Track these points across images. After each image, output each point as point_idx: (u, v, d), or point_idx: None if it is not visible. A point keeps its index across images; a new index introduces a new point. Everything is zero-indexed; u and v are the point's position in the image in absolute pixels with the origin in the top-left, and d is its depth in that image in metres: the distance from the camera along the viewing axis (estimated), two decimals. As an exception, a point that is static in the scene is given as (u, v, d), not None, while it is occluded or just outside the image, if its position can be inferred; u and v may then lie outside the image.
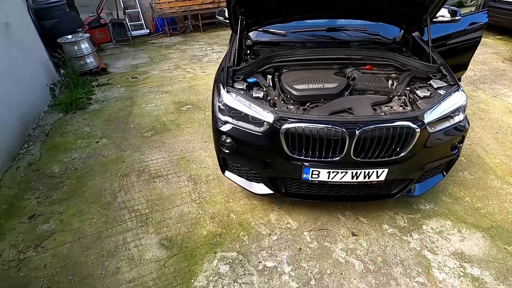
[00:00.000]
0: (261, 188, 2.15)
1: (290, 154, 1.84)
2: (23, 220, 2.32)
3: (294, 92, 2.07)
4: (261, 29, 2.64)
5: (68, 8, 5.72)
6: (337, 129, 1.70)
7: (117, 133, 3.43)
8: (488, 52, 5.61)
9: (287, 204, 2.36)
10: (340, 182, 1.90)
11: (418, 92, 1.98)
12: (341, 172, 1.85)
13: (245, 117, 1.92)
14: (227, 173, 2.26)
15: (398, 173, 1.91)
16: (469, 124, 1.99)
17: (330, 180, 1.89)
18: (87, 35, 5.03)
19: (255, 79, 2.24)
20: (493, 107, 3.71)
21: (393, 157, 1.81)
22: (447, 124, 1.89)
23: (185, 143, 3.19)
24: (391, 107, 1.96)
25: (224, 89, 2.02)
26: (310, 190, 2.08)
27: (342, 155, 1.78)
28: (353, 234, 2.12)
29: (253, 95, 2.00)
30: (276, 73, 2.34)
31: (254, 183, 2.17)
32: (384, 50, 2.45)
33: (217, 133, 2.05)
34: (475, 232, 2.11)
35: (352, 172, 1.84)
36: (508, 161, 2.77)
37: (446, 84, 2.01)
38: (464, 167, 2.72)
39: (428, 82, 2.08)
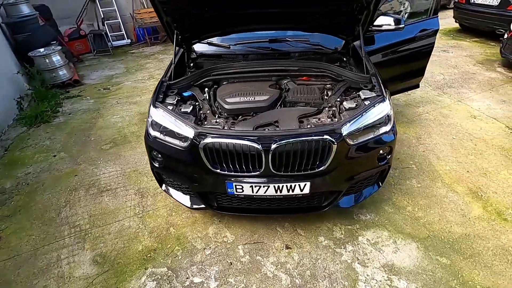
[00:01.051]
0: (195, 202, 2.14)
1: (212, 168, 1.84)
2: (-37, 238, 2.33)
3: (225, 106, 2.07)
4: (205, 42, 2.66)
5: (44, 21, 5.80)
6: (252, 144, 1.70)
7: (76, 147, 3.44)
8: (462, 55, 5.61)
9: (229, 217, 2.35)
10: (265, 196, 1.89)
11: (345, 103, 1.98)
12: (264, 186, 1.84)
13: (171, 133, 1.92)
14: (164, 186, 2.26)
15: (322, 186, 1.90)
16: (396, 135, 1.98)
17: (255, 194, 1.89)
18: (59, 47, 5.08)
19: (190, 93, 2.25)
20: (455, 112, 3.70)
21: (314, 170, 1.80)
22: (370, 135, 1.88)
23: (141, 155, 3.20)
24: (319, 119, 1.96)
25: (152, 104, 2.03)
26: (242, 204, 2.07)
27: (262, 169, 1.77)
28: (287, 247, 2.10)
29: (182, 110, 2.01)
30: (214, 86, 2.35)
31: (188, 197, 2.17)
32: (325, 61, 2.46)
33: (147, 148, 2.06)
34: (410, 243, 2.08)
35: (275, 186, 1.84)
36: (458, 168, 2.75)
37: (374, 95, 2.01)
38: (413, 175, 2.71)
39: (358, 93, 2.08)
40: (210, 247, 2.14)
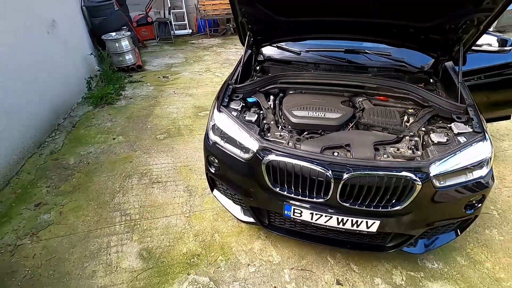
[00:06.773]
0: (245, 215, 2.04)
1: (271, 187, 1.71)
2: (30, 206, 2.52)
3: (291, 119, 1.92)
4: (275, 45, 2.52)
5: (118, 6, 6.16)
6: (322, 170, 1.53)
7: (133, 132, 3.57)
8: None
9: (275, 234, 2.22)
10: (324, 225, 1.72)
11: (432, 135, 1.70)
12: (326, 216, 1.66)
13: (233, 141, 1.83)
14: (215, 192, 2.19)
15: (393, 227, 1.66)
16: (493, 181, 1.65)
17: (313, 221, 1.72)
18: (129, 33, 5.33)
19: (255, 99, 2.14)
20: (551, 153, 3.12)
21: (388, 209, 1.58)
22: (462, 178, 1.59)
23: (192, 151, 3.20)
24: (398, 149, 1.71)
25: (216, 108, 1.96)
26: (295, 227, 1.92)
27: (327, 197, 1.60)
28: (338, 283, 1.91)
29: (246, 118, 1.91)
30: (280, 95, 2.21)
31: (239, 207, 2.08)
32: (407, 80, 2.18)
33: (205, 152, 2.00)
34: (488, 310, 1.76)
35: (338, 218, 1.65)
36: (555, 225, 2.28)
37: (470, 130, 1.70)
38: (494, 224, 2.31)
39: (449, 125, 1.78)
40: (254, 265, 2.03)
